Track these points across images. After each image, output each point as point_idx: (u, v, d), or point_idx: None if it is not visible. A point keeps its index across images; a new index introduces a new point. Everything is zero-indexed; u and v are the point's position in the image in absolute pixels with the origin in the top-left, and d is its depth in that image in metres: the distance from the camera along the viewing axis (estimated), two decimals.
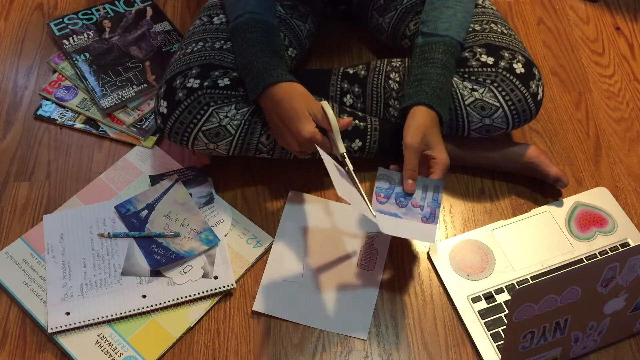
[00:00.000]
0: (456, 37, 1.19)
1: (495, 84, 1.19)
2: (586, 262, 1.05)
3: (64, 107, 1.39)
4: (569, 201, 1.28)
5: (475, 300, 1.16)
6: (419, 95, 1.15)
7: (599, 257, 1.04)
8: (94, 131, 1.36)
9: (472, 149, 1.28)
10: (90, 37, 1.46)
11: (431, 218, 1.13)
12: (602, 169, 1.34)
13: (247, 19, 1.17)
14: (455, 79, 1.21)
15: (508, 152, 1.28)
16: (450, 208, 1.28)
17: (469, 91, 1.19)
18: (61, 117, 1.38)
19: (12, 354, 1.11)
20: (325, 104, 1.12)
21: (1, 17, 1.54)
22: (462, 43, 1.21)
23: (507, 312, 1.14)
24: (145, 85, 1.39)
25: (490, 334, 1.12)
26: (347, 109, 1.28)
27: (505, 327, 1.09)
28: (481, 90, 1.19)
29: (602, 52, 1.52)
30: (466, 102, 1.19)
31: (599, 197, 1.28)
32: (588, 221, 1.25)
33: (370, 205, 1.11)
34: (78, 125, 1.37)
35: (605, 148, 1.37)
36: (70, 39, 1.45)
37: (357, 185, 1.12)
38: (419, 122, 1.13)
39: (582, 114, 1.42)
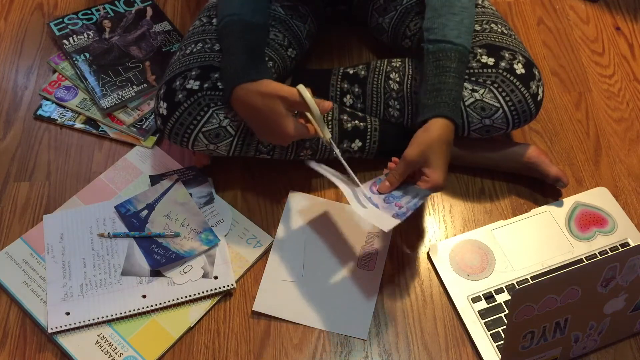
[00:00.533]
0: (467, 45, 1.17)
1: (496, 85, 1.19)
2: (586, 262, 1.05)
3: (64, 107, 1.39)
4: (569, 201, 1.28)
5: (475, 300, 1.16)
6: (440, 107, 1.12)
7: (599, 257, 1.04)
8: (94, 131, 1.36)
9: (472, 149, 1.28)
10: (90, 37, 1.46)
11: (402, 216, 1.09)
12: (602, 169, 1.34)
13: (226, 22, 1.16)
14: None
15: (508, 152, 1.28)
16: (450, 208, 1.28)
17: (469, 92, 1.19)
18: (61, 117, 1.38)
19: (12, 354, 1.11)
20: (301, 88, 1.09)
21: (1, 17, 1.54)
22: (471, 50, 1.20)
23: (507, 312, 1.14)
24: (145, 85, 1.39)
25: (490, 334, 1.12)
26: (347, 109, 1.28)
27: (505, 327, 1.09)
28: (481, 91, 1.19)
29: (602, 52, 1.52)
30: (466, 103, 1.19)
31: (599, 197, 1.28)
32: (588, 221, 1.25)
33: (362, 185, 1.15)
34: (78, 125, 1.37)
35: (605, 148, 1.37)
36: (70, 39, 1.45)
37: (347, 168, 1.14)
38: (425, 138, 1.10)
39: (582, 114, 1.42)
